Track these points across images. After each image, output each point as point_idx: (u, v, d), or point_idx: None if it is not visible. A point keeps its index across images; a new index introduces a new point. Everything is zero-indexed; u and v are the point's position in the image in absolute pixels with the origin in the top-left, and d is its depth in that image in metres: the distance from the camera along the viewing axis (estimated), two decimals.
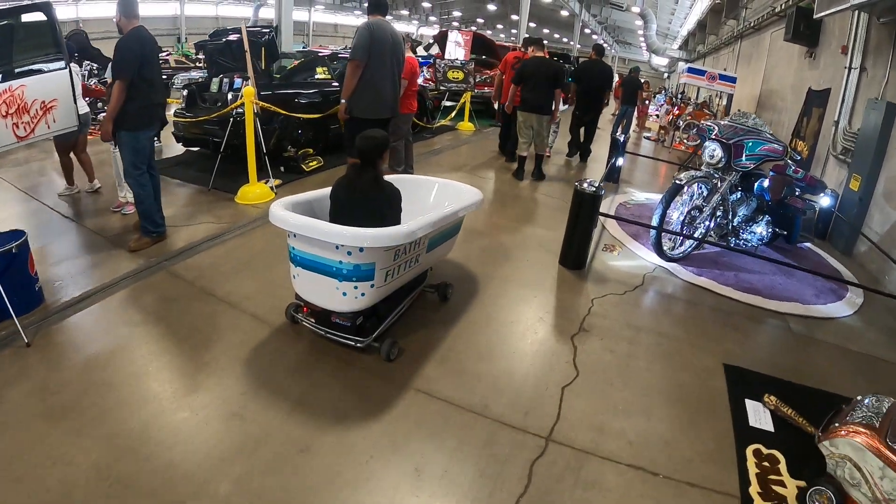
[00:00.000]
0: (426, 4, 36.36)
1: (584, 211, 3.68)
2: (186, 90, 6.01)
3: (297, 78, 5.96)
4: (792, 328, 3.41)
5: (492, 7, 31.15)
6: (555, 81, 5.98)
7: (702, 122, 10.24)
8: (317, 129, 5.88)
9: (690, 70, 11.32)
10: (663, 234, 4.02)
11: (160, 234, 3.78)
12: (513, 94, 6.29)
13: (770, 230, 4.50)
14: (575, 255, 3.81)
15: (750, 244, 4.39)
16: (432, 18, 39.84)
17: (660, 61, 31.30)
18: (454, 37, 10.56)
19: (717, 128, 4.29)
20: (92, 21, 26.47)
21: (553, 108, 6.13)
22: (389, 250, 2.41)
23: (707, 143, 4.19)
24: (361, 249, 2.30)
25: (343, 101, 4.10)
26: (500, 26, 42.02)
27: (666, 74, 34.03)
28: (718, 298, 3.66)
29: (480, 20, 40.55)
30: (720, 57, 17.54)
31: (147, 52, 3.51)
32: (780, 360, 3.01)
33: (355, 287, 2.38)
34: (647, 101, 13.57)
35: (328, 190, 2.76)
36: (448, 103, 9.76)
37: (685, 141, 10.38)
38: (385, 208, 2.61)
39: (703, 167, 4.26)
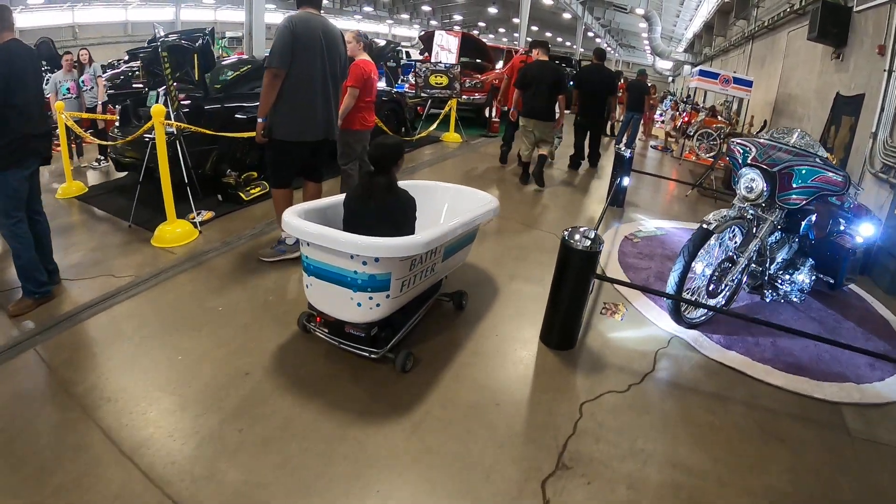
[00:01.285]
0: (426, 8, 35.72)
1: (572, 272, 2.61)
2: (120, 106, 5.20)
3: (240, 89, 5.02)
4: (849, 427, 2.51)
5: (493, 10, 30.42)
6: (557, 87, 5.77)
7: (713, 127, 9.41)
8: (264, 150, 4.99)
9: (702, 73, 10.40)
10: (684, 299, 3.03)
11: (45, 294, 3.02)
12: (517, 99, 6.04)
13: (813, 277, 3.57)
14: (561, 330, 2.77)
15: (790, 296, 3.45)
16: (433, 23, 39.26)
17: (664, 65, 30.48)
18: (440, 38, 9.68)
19: (754, 149, 3.19)
20: (88, 26, 26.01)
21: (558, 114, 5.93)
22: (406, 260, 2.34)
23: (743, 171, 3.15)
24: (377, 259, 2.24)
25: (260, 119, 3.22)
26: (501, 30, 41.46)
27: (671, 78, 33.28)
28: (754, 386, 2.71)
29: (482, 24, 39.99)
30: (729, 59, 16.73)
31: (16, 71, 2.70)
32: (839, 493, 2.10)
33: (370, 297, 2.32)
34: (654, 107, 12.71)
35: (342, 197, 2.72)
36: (440, 110, 8.90)
37: (697, 151, 9.48)
38: (399, 216, 2.55)
39: (735, 202, 3.25)
